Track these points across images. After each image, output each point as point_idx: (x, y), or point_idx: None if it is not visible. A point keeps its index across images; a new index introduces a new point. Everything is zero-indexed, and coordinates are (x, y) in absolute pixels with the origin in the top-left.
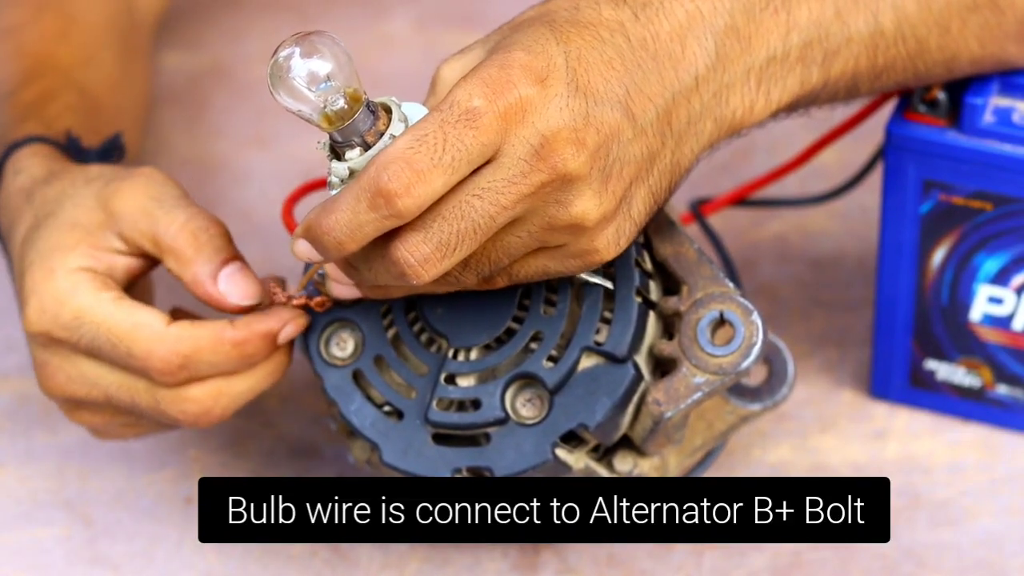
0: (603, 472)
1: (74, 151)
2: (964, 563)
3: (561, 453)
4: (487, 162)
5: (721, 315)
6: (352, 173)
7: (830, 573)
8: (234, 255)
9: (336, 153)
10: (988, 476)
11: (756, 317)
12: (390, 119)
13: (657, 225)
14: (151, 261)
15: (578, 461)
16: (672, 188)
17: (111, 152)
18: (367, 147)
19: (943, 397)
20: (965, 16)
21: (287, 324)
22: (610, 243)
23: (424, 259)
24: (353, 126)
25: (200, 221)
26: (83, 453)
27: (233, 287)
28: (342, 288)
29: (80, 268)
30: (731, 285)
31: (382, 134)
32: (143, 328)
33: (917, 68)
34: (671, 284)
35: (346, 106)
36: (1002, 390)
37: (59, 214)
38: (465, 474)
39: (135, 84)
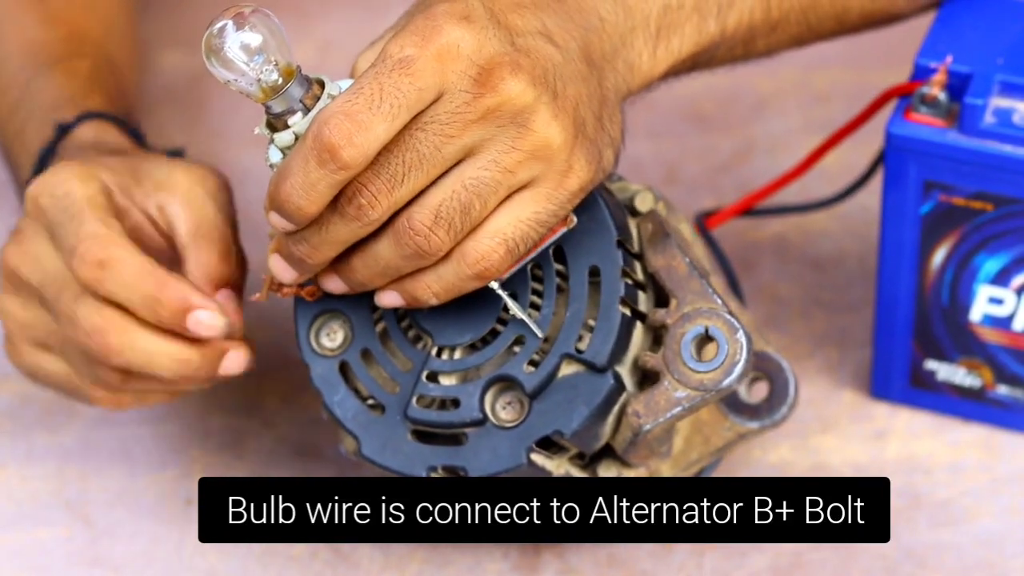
0: None
1: (140, 143)
2: (965, 563)
3: (538, 459)
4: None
5: (706, 331)
6: (297, 139)
7: (830, 573)
8: (236, 284)
9: (273, 127)
10: (988, 476)
11: (741, 335)
12: (323, 89)
13: (651, 236)
14: (158, 243)
15: (558, 467)
16: (602, 118)
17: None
18: (307, 111)
19: (943, 397)
20: None
21: (205, 314)
22: (584, 160)
23: (375, 190)
24: (289, 94)
25: (234, 245)
26: (84, 454)
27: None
28: (287, 271)
29: (102, 186)
30: (719, 301)
31: (318, 98)
32: (101, 224)
33: (809, 21)
34: (663, 297)
35: (279, 79)
36: (1002, 390)
37: (124, 156)
38: (441, 472)
39: (136, 43)
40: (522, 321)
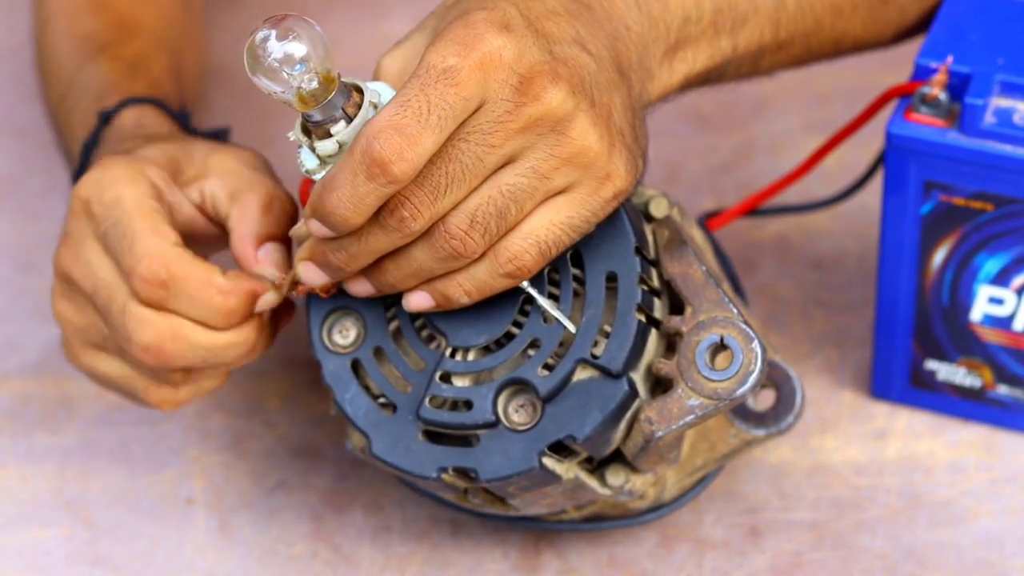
0: (594, 484)
1: (184, 125)
2: (965, 563)
3: (549, 462)
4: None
5: (721, 339)
6: (341, 147)
7: (830, 573)
8: (284, 237)
9: (309, 133)
10: (988, 476)
11: (756, 345)
12: (363, 97)
13: (667, 243)
14: (211, 230)
15: (568, 471)
16: (635, 127)
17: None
18: (349, 120)
19: (944, 397)
20: (855, 1)
21: (268, 291)
22: (623, 168)
23: (418, 203)
24: (331, 103)
25: (279, 193)
26: (84, 454)
27: (266, 255)
28: (320, 276)
29: (151, 187)
30: (735, 311)
31: (359, 105)
32: (156, 236)
33: (811, 45)
34: (678, 304)
35: (320, 87)
36: (1002, 390)
37: (165, 144)
38: (451, 474)
39: (199, 43)
40: (537, 324)
